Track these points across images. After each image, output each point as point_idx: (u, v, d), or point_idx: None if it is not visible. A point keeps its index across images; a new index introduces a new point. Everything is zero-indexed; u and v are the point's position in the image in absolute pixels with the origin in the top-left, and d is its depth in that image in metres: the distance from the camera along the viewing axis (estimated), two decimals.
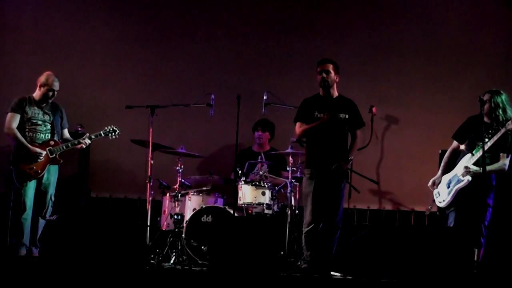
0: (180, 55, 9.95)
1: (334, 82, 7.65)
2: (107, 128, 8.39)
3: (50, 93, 8.13)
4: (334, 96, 7.67)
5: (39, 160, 7.99)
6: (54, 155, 8.07)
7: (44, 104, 8.16)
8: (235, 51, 9.92)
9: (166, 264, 8.04)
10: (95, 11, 9.98)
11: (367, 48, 9.79)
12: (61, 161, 8.15)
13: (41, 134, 8.12)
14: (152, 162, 8.24)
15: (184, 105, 8.64)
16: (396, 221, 9.45)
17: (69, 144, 8.17)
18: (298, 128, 7.66)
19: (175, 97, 9.18)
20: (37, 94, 8.17)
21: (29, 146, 7.98)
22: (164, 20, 10.02)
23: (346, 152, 7.58)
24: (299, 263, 7.82)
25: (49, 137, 8.15)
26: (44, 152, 8.01)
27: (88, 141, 8.28)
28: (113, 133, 8.42)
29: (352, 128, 7.67)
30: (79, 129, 8.99)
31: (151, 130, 8.19)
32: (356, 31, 9.85)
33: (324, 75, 7.59)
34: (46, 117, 8.17)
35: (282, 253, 7.85)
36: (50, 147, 8.08)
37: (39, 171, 8.01)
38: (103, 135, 8.37)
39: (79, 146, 8.26)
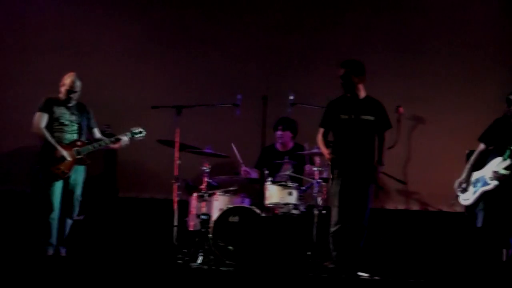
0: (206, 56, 9.94)
1: (356, 84, 7.59)
2: (133, 129, 8.42)
3: (69, 93, 8.15)
4: (361, 97, 7.62)
5: (66, 161, 8.02)
6: (81, 156, 8.09)
7: (70, 105, 8.19)
8: (260, 51, 9.91)
9: (193, 264, 8.05)
10: (121, 11, 9.99)
11: (393, 48, 9.76)
12: (88, 162, 8.17)
13: (68, 134, 8.14)
14: (179, 162, 8.25)
15: (210, 105, 8.64)
16: (423, 222, 9.40)
17: (96, 145, 8.18)
18: (320, 136, 7.65)
19: (201, 97, 9.18)
20: (61, 94, 8.21)
21: (57, 146, 8.01)
22: (190, 21, 10.01)
23: (373, 154, 7.55)
24: (326, 263, 7.80)
25: (76, 137, 8.17)
26: (71, 153, 8.04)
27: (127, 137, 8.33)
28: (139, 134, 8.45)
29: (379, 130, 7.63)
30: (106, 128, 8.99)
31: (177, 130, 8.20)
32: (381, 31, 9.82)
33: (342, 81, 7.57)
34: (73, 118, 8.19)
35: (309, 253, 7.85)
36: (77, 148, 8.10)
37: (66, 172, 8.04)
38: (128, 136, 8.39)
39: (117, 144, 8.30)
